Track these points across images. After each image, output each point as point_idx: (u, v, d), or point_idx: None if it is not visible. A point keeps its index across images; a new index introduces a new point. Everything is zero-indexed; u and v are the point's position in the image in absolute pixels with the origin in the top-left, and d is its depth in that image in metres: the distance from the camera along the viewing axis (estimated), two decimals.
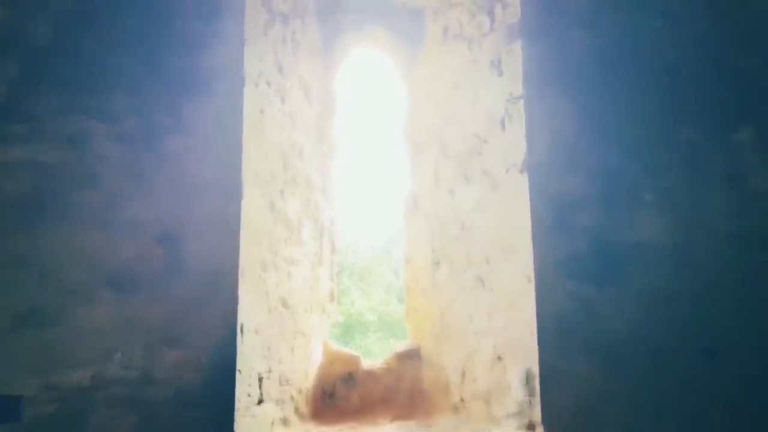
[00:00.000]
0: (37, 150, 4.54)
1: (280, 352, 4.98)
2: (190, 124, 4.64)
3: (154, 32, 4.71)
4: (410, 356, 5.59)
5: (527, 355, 4.58)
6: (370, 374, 5.52)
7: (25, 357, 4.32)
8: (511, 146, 5.03)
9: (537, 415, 4.50)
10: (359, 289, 22.42)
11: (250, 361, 4.50)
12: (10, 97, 4.63)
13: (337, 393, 5.45)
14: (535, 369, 4.52)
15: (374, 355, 12.17)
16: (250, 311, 4.56)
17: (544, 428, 4.45)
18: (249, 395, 4.44)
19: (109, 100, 4.63)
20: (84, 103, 4.60)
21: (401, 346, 5.73)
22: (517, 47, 5.07)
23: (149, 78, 4.67)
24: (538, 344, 4.53)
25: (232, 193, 4.59)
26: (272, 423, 4.74)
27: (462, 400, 5.21)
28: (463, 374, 5.22)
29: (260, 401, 4.60)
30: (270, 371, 4.79)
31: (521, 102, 4.99)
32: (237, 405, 4.24)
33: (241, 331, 4.37)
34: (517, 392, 4.66)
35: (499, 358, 4.89)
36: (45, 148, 4.55)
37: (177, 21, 4.72)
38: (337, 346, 5.71)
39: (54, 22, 4.69)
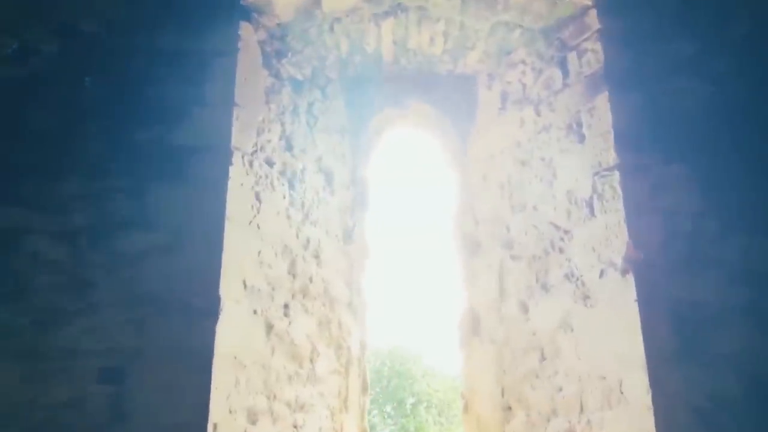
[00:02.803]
0: None
1: None
2: (155, 216, 3.42)
3: (123, 100, 3.64)
4: None
5: None
6: None
7: None
8: (604, 237, 3.53)
9: None
10: (438, 424, 20.11)
11: None
12: None
13: None
14: None
15: None
16: None
17: None
18: None
19: (55, 187, 3.49)
20: (21, 192, 3.48)
21: None
22: (603, 101, 3.71)
23: (109, 157, 3.54)
24: None
25: (205, 310, 3.25)
26: None
27: None
28: None
29: None
30: None
31: (615, 174, 3.55)
32: None
33: None
34: None
35: None
36: None
37: (150, 87, 3.65)
38: None
39: None
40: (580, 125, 3.87)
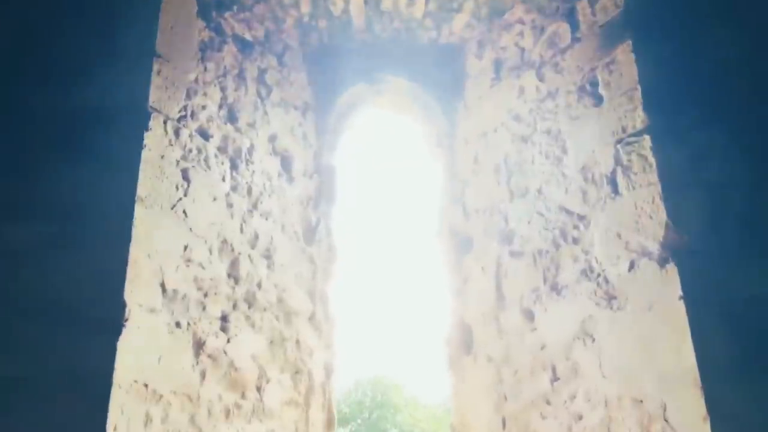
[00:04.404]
0: None
1: None
2: (43, 200, 2.60)
3: (9, 55, 2.83)
4: None
5: None
6: None
7: None
8: (633, 219, 2.75)
9: None
10: None
11: None
12: None
13: None
14: None
15: None
16: None
17: None
18: None
19: None
20: None
21: None
22: (625, 53, 2.96)
23: None
24: None
25: (105, 322, 2.41)
26: None
27: None
28: None
29: None
30: None
31: (645, 140, 2.77)
32: None
33: None
34: None
35: None
36: None
37: (48, 35, 2.84)
38: None
39: None
40: (595, 85, 3.11)
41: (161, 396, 2.51)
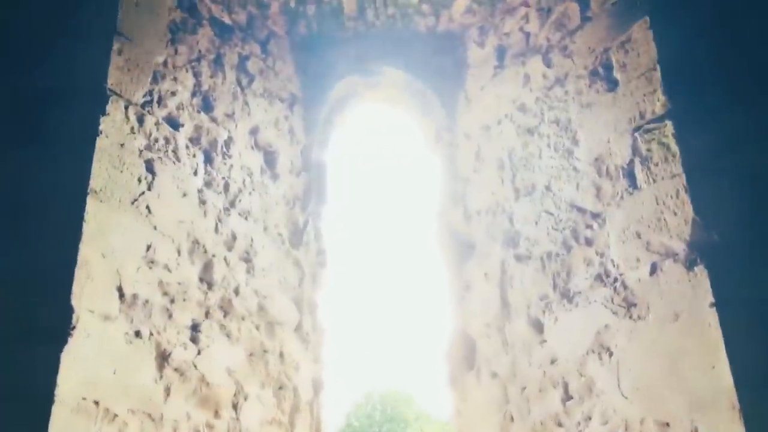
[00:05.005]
0: None
1: None
2: None
3: None
4: None
5: None
6: None
7: None
8: (655, 216, 2.42)
9: None
10: None
11: None
12: None
13: None
14: None
15: None
16: None
17: None
18: None
19: None
20: None
21: None
22: (642, 30, 2.66)
23: None
24: None
25: (49, 331, 2.08)
26: None
27: None
28: None
29: None
30: None
31: (667, 126, 2.44)
32: None
33: None
34: None
35: None
36: None
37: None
38: None
39: None
40: (608, 68, 2.79)
41: (115, 415, 2.19)
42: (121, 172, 2.41)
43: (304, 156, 3.53)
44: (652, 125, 2.54)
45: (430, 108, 3.72)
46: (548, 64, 3.12)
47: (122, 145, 2.44)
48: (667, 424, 2.28)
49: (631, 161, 2.60)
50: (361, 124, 3.95)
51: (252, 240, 3.03)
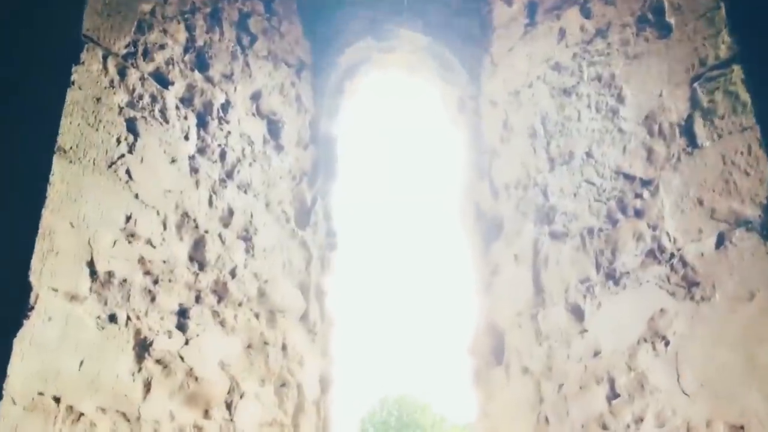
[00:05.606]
0: None
1: None
2: None
3: None
4: None
5: None
6: None
7: None
8: (721, 178, 2.00)
9: None
10: None
11: None
12: None
13: None
14: None
15: None
16: None
17: None
18: None
19: None
20: None
21: None
22: None
23: None
24: None
25: (2, 311, 1.76)
26: None
27: None
28: None
29: None
30: None
31: (734, 72, 2.05)
32: None
33: None
34: None
35: None
36: None
37: None
38: None
39: None
40: (659, 12, 2.43)
41: (81, 414, 1.86)
42: (97, 130, 2.09)
43: (312, 127, 3.19)
44: (715, 72, 2.16)
45: (452, 74, 3.36)
46: (587, 14, 2.75)
47: (99, 99, 2.11)
48: (742, 428, 1.89)
49: (690, 116, 2.22)
50: (374, 93, 3.54)
51: (252, 216, 2.69)
